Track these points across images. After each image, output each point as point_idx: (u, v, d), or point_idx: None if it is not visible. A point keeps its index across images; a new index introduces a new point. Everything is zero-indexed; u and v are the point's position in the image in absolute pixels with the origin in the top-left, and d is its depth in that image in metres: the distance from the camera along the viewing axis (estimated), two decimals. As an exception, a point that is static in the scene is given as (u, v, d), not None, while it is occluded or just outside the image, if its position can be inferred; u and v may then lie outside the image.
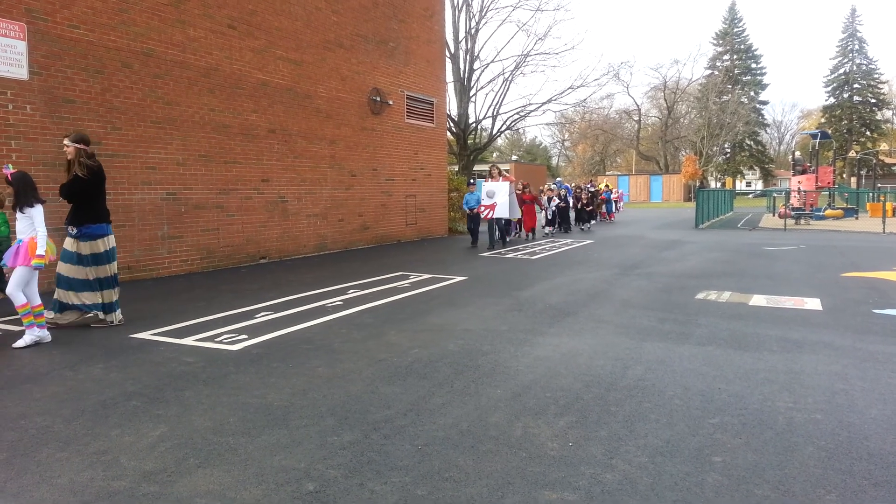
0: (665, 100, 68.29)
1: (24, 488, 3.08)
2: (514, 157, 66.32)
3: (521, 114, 33.40)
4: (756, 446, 3.51)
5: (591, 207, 23.05)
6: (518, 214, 16.59)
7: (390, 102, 16.80)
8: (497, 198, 14.82)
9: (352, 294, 8.58)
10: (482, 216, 15.13)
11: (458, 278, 10.05)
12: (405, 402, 4.26)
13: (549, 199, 20.09)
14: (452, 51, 29.90)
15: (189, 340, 6.00)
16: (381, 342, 5.93)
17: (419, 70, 18.40)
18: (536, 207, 18.87)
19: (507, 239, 16.00)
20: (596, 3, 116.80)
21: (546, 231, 19.90)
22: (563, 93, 46.72)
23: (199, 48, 11.28)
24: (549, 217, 20.14)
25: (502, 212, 14.95)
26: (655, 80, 70.97)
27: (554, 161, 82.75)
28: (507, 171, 18.86)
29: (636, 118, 71.22)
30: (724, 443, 3.56)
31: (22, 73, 8.63)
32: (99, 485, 3.10)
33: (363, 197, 15.98)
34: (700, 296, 8.30)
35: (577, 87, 34.23)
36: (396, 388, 4.56)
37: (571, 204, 22.01)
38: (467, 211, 15.78)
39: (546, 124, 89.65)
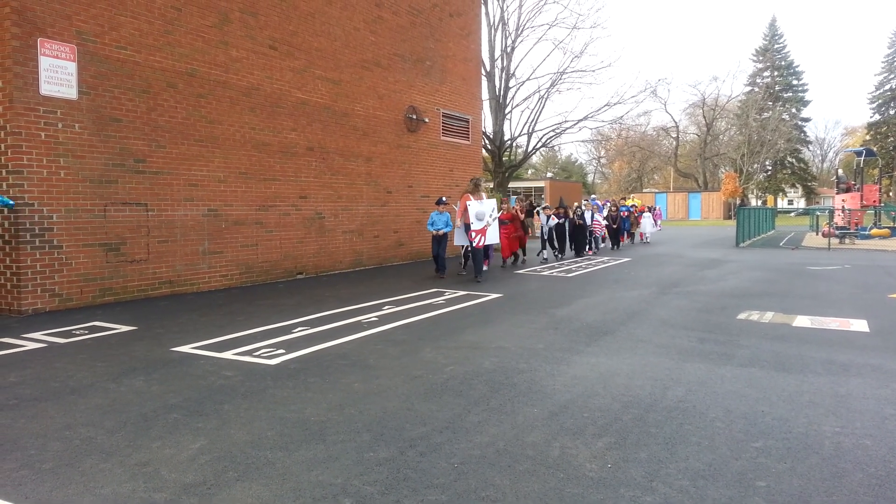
0: (704, 117, 67.50)
1: (68, 498, 3.14)
2: (549, 175, 66.17)
3: (557, 131, 33.32)
4: (802, 472, 3.41)
5: (615, 226, 21.37)
6: (496, 239, 13.74)
7: (426, 120, 16.94)
8: (487, 220, 12.39)
9: (387, 310, 8.62)
10: (474, 244, 12.31)
11: (493, 295, 10.02)
12: (441, 419, 4.25)
13: (549, 218, 16.70)
14: (488, 69, 30.06)
15: (228, 354, 6.08)
16: (417, 359, 5.93)
17: (455, 88, 18.53)
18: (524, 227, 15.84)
19: (485, 268, 13.20)
20: (633, 21, 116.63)
21: (544, 256, 16.43)
22: (599, 110, 46.42)
23: (241, 68, 11.56)
24: (546, 238, 16.61)
25: (493, 237, 12.80)
26: (694, 97, 70.68)
27: (590, 178, 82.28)
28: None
29: (674, 135, 70.51)
30: (769, 467, 3.46)
31: (71, 93, 8.93)
32: (140, 496, 3.15)
33: (398, 213, 16.09)
34: (742, 316, 8.13)
35: (614, 104, 34.15)
36: (432, 405, 4.55)
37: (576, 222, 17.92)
38: (433, 233, 12.89)
39: (582, 141, 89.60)
